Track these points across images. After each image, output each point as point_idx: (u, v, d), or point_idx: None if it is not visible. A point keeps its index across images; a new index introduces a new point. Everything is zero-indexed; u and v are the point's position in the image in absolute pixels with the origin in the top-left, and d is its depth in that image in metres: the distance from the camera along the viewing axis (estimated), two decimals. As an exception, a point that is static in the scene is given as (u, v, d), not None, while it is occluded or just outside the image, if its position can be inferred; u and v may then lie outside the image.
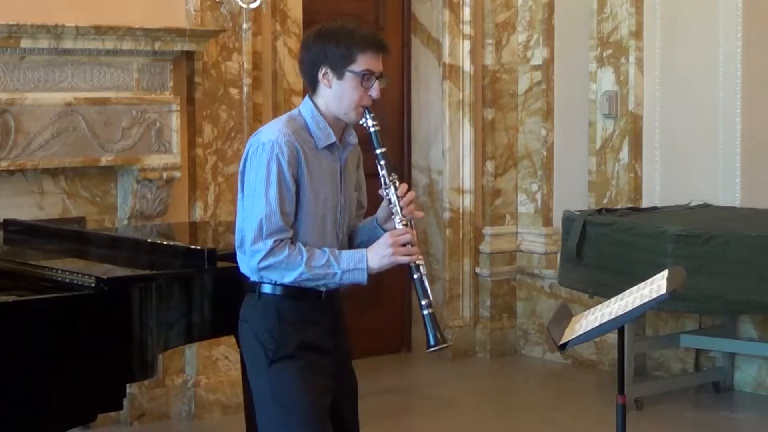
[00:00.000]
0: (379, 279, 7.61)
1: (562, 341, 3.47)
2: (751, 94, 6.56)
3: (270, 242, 3.37)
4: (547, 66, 7.37)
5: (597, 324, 3.41)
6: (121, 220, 5.91)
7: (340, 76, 3.43)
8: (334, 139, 3.49)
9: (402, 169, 7.34)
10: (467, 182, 7.38)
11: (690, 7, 6.79)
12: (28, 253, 4.72)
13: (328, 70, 3.44)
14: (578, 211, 6.52)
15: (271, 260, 3.37)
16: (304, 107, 3.51)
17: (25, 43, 5.44)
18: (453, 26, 7.30)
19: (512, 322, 7.55)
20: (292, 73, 6.37)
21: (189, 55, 6.03)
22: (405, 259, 3.44)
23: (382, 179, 3.49)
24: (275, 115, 5.98)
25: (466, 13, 7.30)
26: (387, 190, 3.49)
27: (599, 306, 3.62)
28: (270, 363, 3.44)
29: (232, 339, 5.06)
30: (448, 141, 7.33)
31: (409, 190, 3.51)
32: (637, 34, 6.91)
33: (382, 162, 3.49)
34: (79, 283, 3.85)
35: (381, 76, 3.47)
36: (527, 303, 7.50)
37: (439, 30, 7.33)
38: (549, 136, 7.41)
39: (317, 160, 3.47)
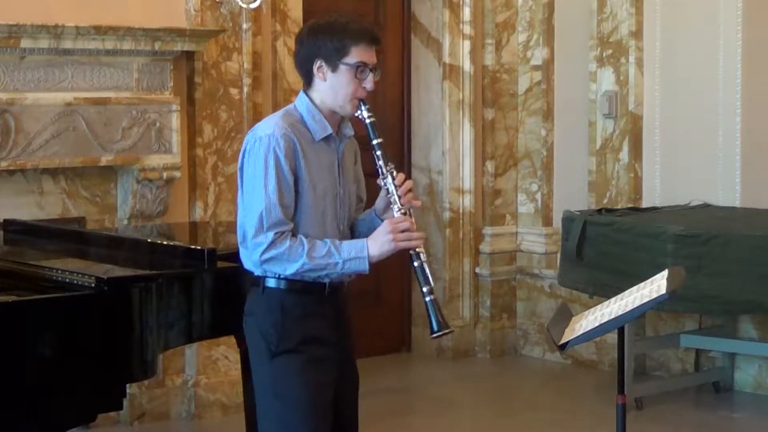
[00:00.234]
0: (379, 279, 7.61)
1: (562, 341, 3.47)
2: (751, 94, 6.56)
3: (271, 234, 3.39)
4: (547, 66, 7.37)
5: (597, 324, 3.41)
6: (121, 220, 5.91)
7: (334, 68, 3.47)
8: (330, 130, 3.51)
9: (402, 169, 7.31)
10: (467, 182, 7.38)
11: (690, 7, 6.79)
12: (28, 253, 4.72)
13: (323, 64, 3.47)
14: (578, 211, 6.53)
15: (273, 252, 3.40)
16: (300, 102, 3.55)
17: (25, 43, 5.44)
18: (453, 26, 7.30)
19: (512, 322, 7.55)
20: (292, 73, 6.36)
21: (189, 55, 6.03)
22: (404, 245, 3.45)
23: (379, 169, 3.51)
24: (275, 115, 5.98)
25: (466, 13, 7.30)
26: (384, 180, 3.52)
27: (599, 306, 3.62)
28: (272, 357, 3.46)
29: (232, 339, 5.07)
30: (448, 141, 7.33)
31: (406, 179, 3.53)
32: (637, 34, 6.91)
33: (379, 153, 3.51)
34: (79, 283, 3.85)
35: (375, 69, 3.50)
36: (527, 303, 7.50)
37: (439, 30, 7.33)
38: (549, 136, 7.41)
39: (314, 152, 3.49)
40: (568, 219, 6.43)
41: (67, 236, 4.95)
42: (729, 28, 6.57)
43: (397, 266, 7.08)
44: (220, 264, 4.17)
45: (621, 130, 6.99)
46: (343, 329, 3.59)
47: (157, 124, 5.85)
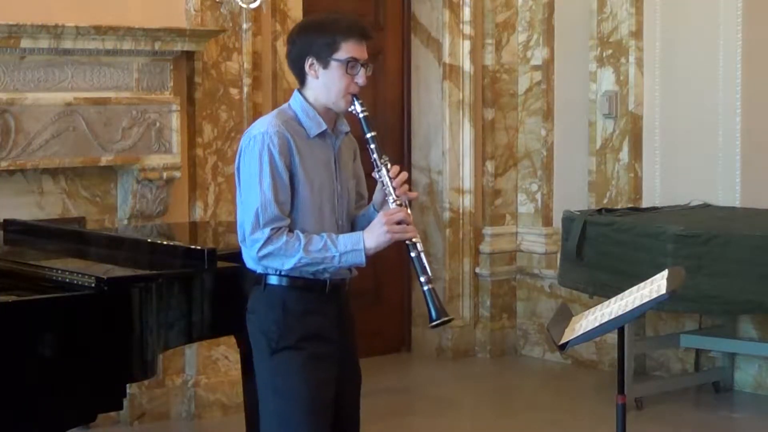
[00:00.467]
0: (379, 279, 7.60)
1: (562, 341, 3.47)
2: (751, 94, 6.56)
3: (267, 230, 3.41)
4: (547, 66, 7.37)
5: (597, 324, 3.41)
6: (121, 220, 5.91)
7: (325, 65, 3.49)
8: (324, 126, 3.53)
9: (402, 170, 7.33)
10: (467, 182, 7.38)
11: (690, 8, 6.79)
12: (28, 253, 4.72)
13: (314, 61, 3.50)
14: (578, 211, 6.53)
15: (270, 248, 3.41)
16: (294, 100, 3.59)
17: (25, 43, 5.44)
18: (453, 26, 7.30)
19: (512, 322, 7.55)
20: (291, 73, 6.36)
21: (189, 55, 6.03)
22: (399, 236, 3.45)
23: (373, 162, 3.52)
24: (275, 115, 5.98)
25: (466, 13, 7.30)
26: (379, 173, 3.53)
27: (599, 306, 3.62)
28: (272, 353, 3.48)
29: (232, 339, 5.07)
30: (448, 141, 7.33)
31: (401, 171, 3.53)
32: (637, 34, 6.91)
33: (373, 146, 3.52)
34: (79, 283, 3.85)
35: (367, 64, 3.51)
36: (527, 303, 7.50)
37: (439, 30, 7.33)
38: (549, 136, 7.41)
39: (310, 149, 3.51)
40: (568, 219, 6.44)
41: (67, 236, 4.95)
42: (729, 28, 6.57)
43: (397, 266, 7.09)
44: (220, 264, 4.18)
45: (621, 130, 6.99)
46: (344, 327, 3.60)
47: (157, 124, 5.85)
